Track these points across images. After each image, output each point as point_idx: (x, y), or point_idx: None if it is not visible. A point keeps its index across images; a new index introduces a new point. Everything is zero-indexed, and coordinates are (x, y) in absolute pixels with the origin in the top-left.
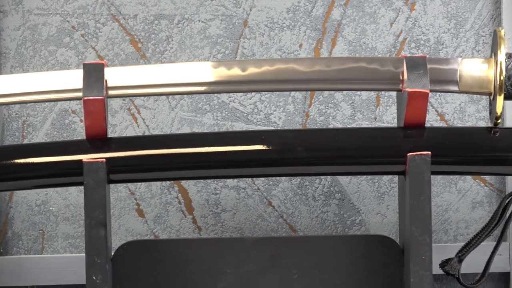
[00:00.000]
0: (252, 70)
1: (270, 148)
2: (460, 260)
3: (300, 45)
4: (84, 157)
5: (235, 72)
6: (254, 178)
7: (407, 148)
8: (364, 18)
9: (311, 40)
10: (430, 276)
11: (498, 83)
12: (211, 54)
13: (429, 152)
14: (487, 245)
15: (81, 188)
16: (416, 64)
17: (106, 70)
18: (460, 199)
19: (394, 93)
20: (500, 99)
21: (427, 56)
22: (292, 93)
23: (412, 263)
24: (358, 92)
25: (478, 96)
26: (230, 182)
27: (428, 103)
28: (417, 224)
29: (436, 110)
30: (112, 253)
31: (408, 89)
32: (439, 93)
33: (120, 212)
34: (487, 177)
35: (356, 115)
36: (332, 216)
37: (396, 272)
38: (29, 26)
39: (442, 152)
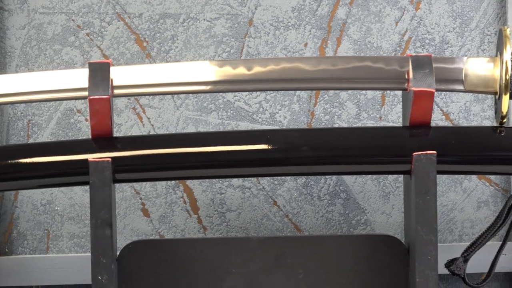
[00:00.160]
0: (257, 69)
1: (276, 147)
2: (466, 260)
3: (305, 44)
4: (90, 157)
5: (241, 71)
6: (259, 178)
7: (412, 148)
8: (369, 17)
9: (316, 39)
10: (435, 276)
11: (503, 82)
12: (216, 53)
13: (435, 152)
14: (493, 245)
15: (86, 187)
16: (421, 63)
17: (112, 69)
18: (465, 198)
19: (399, 93)
20: (505, 98)
21: (433, 55)
22: (297, 92)
23: (417, 262)
24: (363, 91)
25: (483, 95)
26: (235, 181)
27: (433, 102)
28: (423, 224)
29: (441, 109)
30: (117, 253)
31: (414, 88)
32: (444, 92)
33: (125, 211)
34: (492, 177)
35: (361, 114)
36: (337, 216)
37: (402, 272)
38: (34, 25)
39: (448, 151)
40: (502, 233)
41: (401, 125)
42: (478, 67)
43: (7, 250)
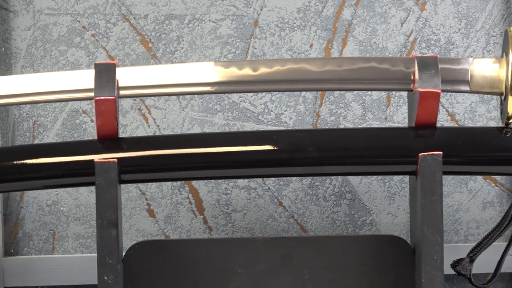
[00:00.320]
0: (263, 70)
1: (281, 148)
2: (472, 260)
3: (311, 45)
4: (96, 157)
5: (246, 72)
6: (264, 178)
7: (418, 148)
8: (374, 18)
9: (321, 40)
10: (441, 276)
11: (509, 83)
12: (221, 54)
13: (441, 152)
14: (498, 245)
15: (92, 188)
16: (427, 64)
17: (118, 70)
18: (471, 199)
19: (404, 93)
20: (511, 99)
21: (438, 56)
22: (303, 93)
23: (423, 263)
24: (369, 92)
25: (489, 96)
26: (241, 182)
27: (439, 103)
28: (429, 224)
29: (446, 110)
30: (123, 253)
31: (420, 89)
32: (449, 93)
33: (131, 212)
34: (498, 177)
35: (366, 115)
36: (343, 216)
37: (407, 272)
38: (39, 26)
39: (454, 152)
40: (508, 233)
41: (406, 125)
42: (484, 68)
43: (12, 250)
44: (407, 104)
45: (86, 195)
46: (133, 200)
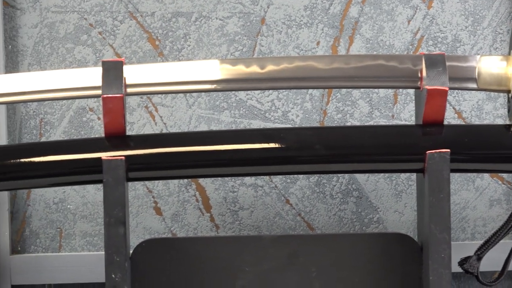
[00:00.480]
0: (270, 67)
1: (289, 145)
2: (479, 258)
3: (318, 43)
4: (103, 155)
5: (254, 69)
6: (271, 176)
7: (426, 146)
8: (381, 15)
9: (328, 37)
10: (449, 274)
11: None
12: (228, 52)
13: (448, 150)
14: (506, 243)
15: (99, 186)
16: (435, 62)
17: (125, 67)
18: (478, 197)
19: (411, 91)
20: None
21: (446, 54)
22: (310, 90)
23: (431, 261)
24: (376, 90)
25: (496, 93)
26: (248, 180)
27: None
28: (436, 222)
29: (453, 108)
30: (130, 251)
31: (427, 87)
32: (456, 90)
33: (137, 210)
34: (504, 175)
35: (373, 113)
36: (349, 214)
37: (415, 270)
38: (46, 24)
39: (461, 149)
40: None
41: (413, 123)
42: (491, 65)
43: (19, 248)
44: (414, 101)
45: (93, 193)
46: (140, 198)
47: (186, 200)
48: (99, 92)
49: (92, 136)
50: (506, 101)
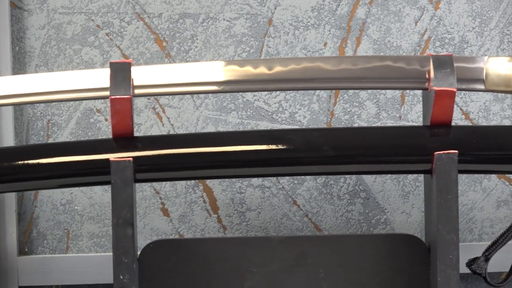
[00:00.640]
0: (278, 68)
1: (297, 147)
2: (487, 259)
3: (325, 44)
4: (111, 156)
5: (262, 70)
6: (278, 177)
7: (434, 147)
8: (388, 16)
9: (335, 38)
10: (457, 275)
11: None
12: (235, 53)
13: (456, 151)
14: None
15: (106, 187)
16: (442, 63)
17: (133, 69)
18: (485, 198)
19: (419, 92)
20: None
21: (454, 55)
22: (317, 92)
23: (439, 262)
24: (383, 91)
25: (503, 94)
26: (255, 181)
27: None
28: (444, 223)
29: (460, 109)
30: (138, 252)
31: (435, 88)
32: (463, 91)
33: (145, 211)
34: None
35: (381, 114)
36: (357, 215)
37: (423, 271)
38: (53, 25)
39: (469, 150)
40: None
41: (420, 124)
42: (499, 66)
43: (27, 249)
44: (421, 102)
45: (100, 194)
46: (147, 199)
47: (193, 201)
48: (107, 93)
49: (99, 137)
50: None
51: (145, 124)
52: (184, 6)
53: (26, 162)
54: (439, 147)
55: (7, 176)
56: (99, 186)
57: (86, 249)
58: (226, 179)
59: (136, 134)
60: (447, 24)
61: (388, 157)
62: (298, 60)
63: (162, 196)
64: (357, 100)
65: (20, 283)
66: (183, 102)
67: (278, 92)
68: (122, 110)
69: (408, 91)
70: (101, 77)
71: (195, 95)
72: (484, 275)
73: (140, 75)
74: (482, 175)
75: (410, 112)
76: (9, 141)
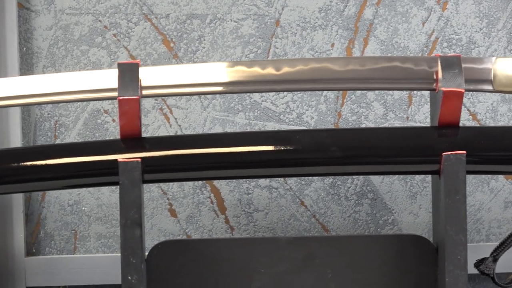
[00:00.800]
0: (286, 69)
1: (304, 147)
2: (495, 260)
3: (332, 45)
4: (119, 157)
5: (269, 71)
6: (286, 178)
7: (441, 148)
8: (396, 17)
9: (343, 39)
10: (465, 276)
11: None
12: (243, 54)
13: (464, 152)
14: None
15: (114, 188)
16: (450, 64)
17: (141, 69)
18: (493, 198)
19: (426, 93)
20: None
21: (461, 56)
22: (324, 92)
23: (447, 262)
24: (390, 92)
25: (511, 95)
26: (263, 181)
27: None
28: (452, 224)
29: (468, 110)
30: (146, 253)
31: (443, 89)
32: (471, 92)
33: (152, 212)
34: None
35: (388, 115)
36: (364, 216)
37: (430, 272)
38: (61, 26)
39: (477, 151)
40: None
41: (428, 125)
42: (507, 67)
43: (34, 250)
44: (428, 103)
45: (107, 195)
46: (154, 200)
47: (201, 202)
48: (114, 94)
49: (107, 138)
50: None
51: (152, 125)
52: (192, 7)
53: (33, 163)
54: (447, 147)
55: (14, 177)
56: (107, 187)
57: (93, 250)
58: (234, 180)
59: (143, 135)
60: (455, 25)
61: (395, 158)
62: (306, 61)
63: (169, 196)
64: (364, 101)
65: (27, 284)
66: (190, 103)
67: (285, 93)
68: (130, 111)
69: (415, 92)
70: (109, 78)
71: (203, 96)
72: (492, 275)
73: (148, 76)
74: (489, 175)
75: (418, 113)
76: (17, 142)
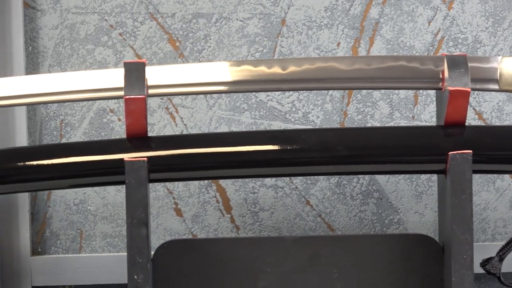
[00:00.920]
0: (292, 68)
1: (311, 147)
2: (501, 259)
3: (338, 44)
4: (125, 156)
5: (276, 70)
6: (292, 177)
7: (448, 147)
8: (402, 16)
9: (349, 38)
10: (471, 275)
11: None
12: (249, 53)
13: (471, 151)
14: None
15: (119, 187)
16: (457, 63)
17: (147, 69)
18: (498, 198)
19: (432, 92)
20: None
21: (467, 55)
22: (330, 91)
23: (453, 262)
24: (396, 91)
25: None
26: (268, 181)
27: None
28: (458, 223)
29: (474, 109)
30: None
31: (450, 88)
32: (477, 91)
33: (158, 211)
34: None
35: (394, 114)
36: (370, 215)
37: (436, 271)
38: (67, 25)
39: (483, 150)
40: None
41: (434, 124)
42: None
43: (40, 249)
44: (434, 102)
45: (113, 194)
46: (160, 199)
47: (206, 201)
48: (121, 93)
49: (113, 137)
50: None
51: (158, 124)
52: (197, 6)
53: (39, 162)
54: (453, 147)
55: (20, 176)
56: (112, 186)
57: (99, 249)
58: (239, 179)
59: (149, 134)
60: (460, 24)
61: (401, 157)
62: (312, 60)
63: (175, 196)
64: (370, 100)
65: (33, 283)
66: (196, 102)
67: (291, 92)
68: (136, 110)
69: (421, 91)
70: (115, 77)
71: (208, 95)
72: (498, 275)
73: (154, 75)
74: (495, 175)
75: (423, 112)
76: (22, 141)
